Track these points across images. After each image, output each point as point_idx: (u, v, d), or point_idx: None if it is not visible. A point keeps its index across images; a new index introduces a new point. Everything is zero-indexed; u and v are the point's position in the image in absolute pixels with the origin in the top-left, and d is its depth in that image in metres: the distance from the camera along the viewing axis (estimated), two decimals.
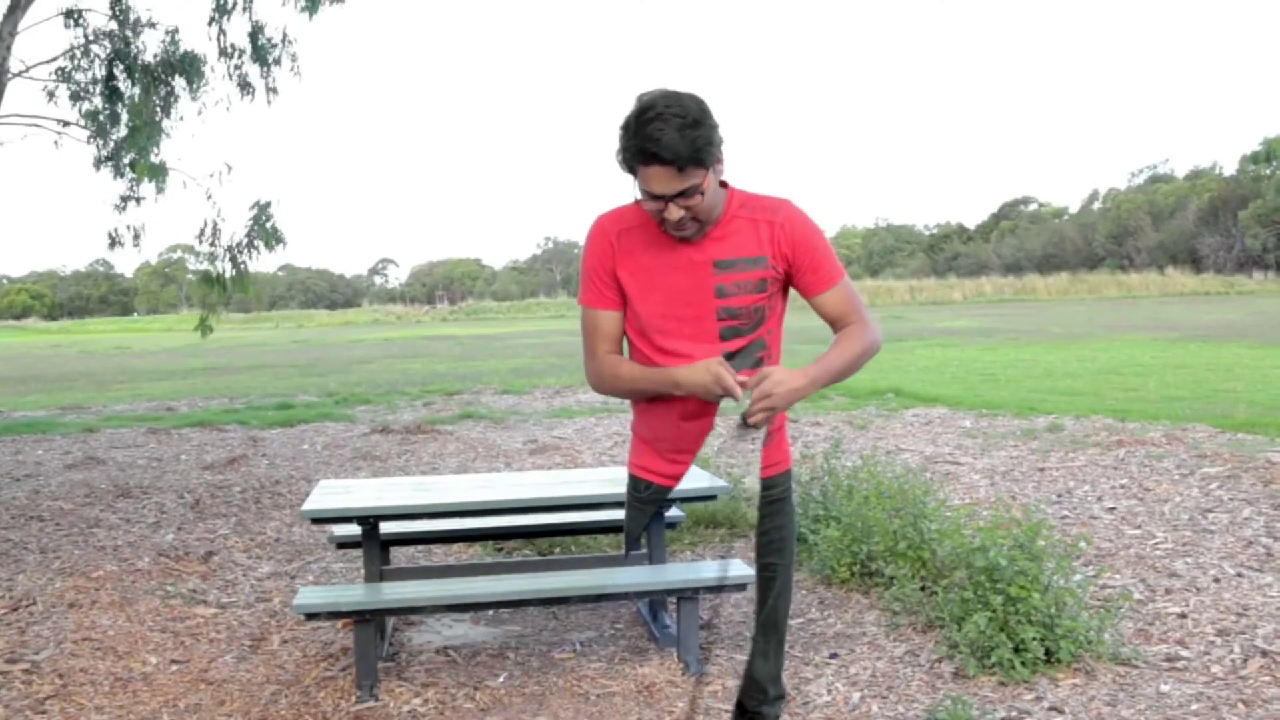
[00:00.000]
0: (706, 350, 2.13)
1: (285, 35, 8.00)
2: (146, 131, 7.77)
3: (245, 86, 8.07)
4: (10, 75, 7.30)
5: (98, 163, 8.09)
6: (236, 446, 8.51)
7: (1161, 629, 3.68)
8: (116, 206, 8.20)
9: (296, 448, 8.46)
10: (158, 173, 7.84)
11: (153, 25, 8.09)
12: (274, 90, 8.12)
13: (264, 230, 7.77)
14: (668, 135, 1.91)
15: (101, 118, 8.13)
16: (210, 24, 7.81)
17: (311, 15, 7.55)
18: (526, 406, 10.97)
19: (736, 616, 4.17)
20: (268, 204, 7.82)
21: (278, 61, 8.01)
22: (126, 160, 7.96)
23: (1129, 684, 3.22)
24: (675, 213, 2.02)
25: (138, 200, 8.16)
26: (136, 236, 8.29)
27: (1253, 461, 6.18)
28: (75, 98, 8.11)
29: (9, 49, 7.14)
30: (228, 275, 7.90)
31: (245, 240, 7.83)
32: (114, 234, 8.24)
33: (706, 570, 3.98)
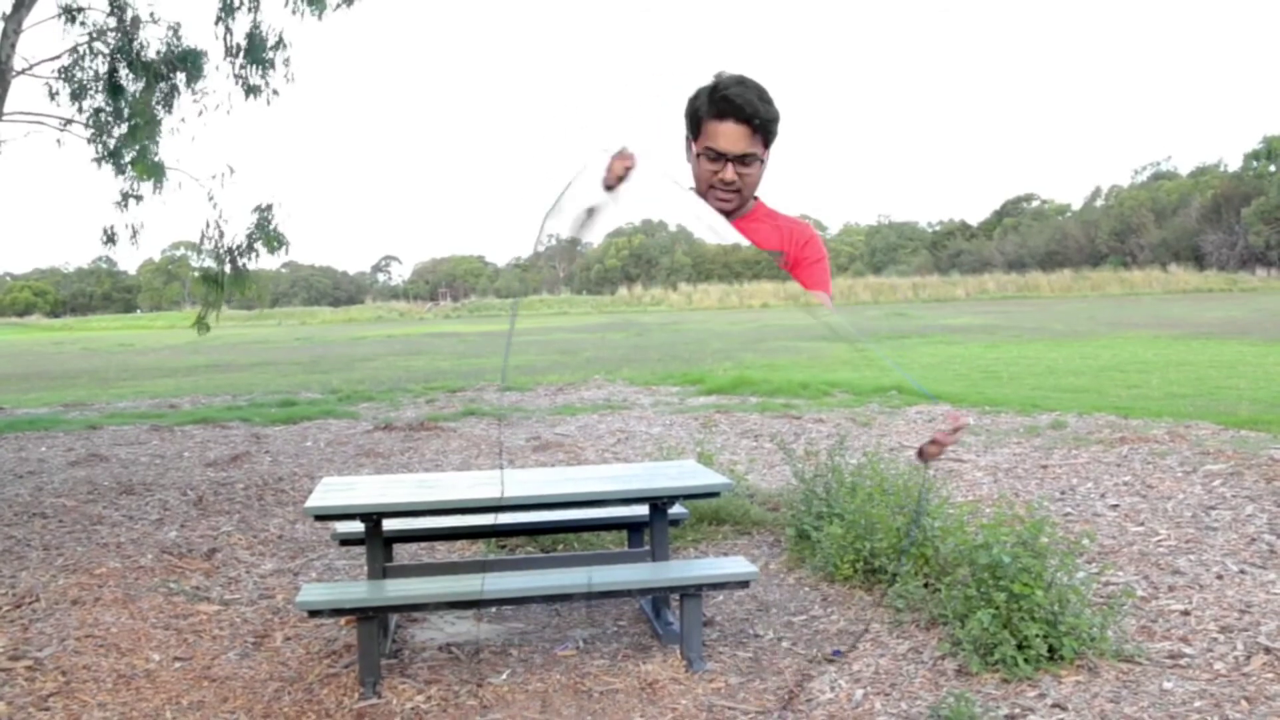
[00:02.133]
0: None
1: (281, 38, 7.99)
2: (147, 129, 7.76)
3: (251, 88, 8.07)
4: (14, 73, 7.30)
5: (98, 160, 8.09)
6: (239, 444, 8.51)
7: (1165, 626, 3.68)
8: (117, 204, 8.20)
9: (299, 445, 8.47)
10: (156, 171, 7.83)
11: (154, 21, 8.10)
12: (274, 92, 8.12)
13: (266, 233, 7.77)
14: (748, 96, 2.07)
15: (104, 116, 8.13)
16: (216, 23, 7.81)
17: (320, 14, 7.54)
18: (529, 403, 10.97)
19: (739, 614, 4.17)
20: (269, 206, 7.81)
21: (271, 64, 8.00)
22: (127, 159, 7.96)
23: (1132, 681, 3.21)
24: (730, 173, 2.12)
25: (137, 198, 8.16)
26: (134, 233, 8.28)
27: (1256, 459, 6.16)
28: (75, 96, 8.10)
29: (13, 47, 7.14)
30: (227, 275, 7.89)
31: (246, 242, 7.83)
32: (109, 230, 8.23)
33: (710, 567, 3.98)
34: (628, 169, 1.92)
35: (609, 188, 1.92)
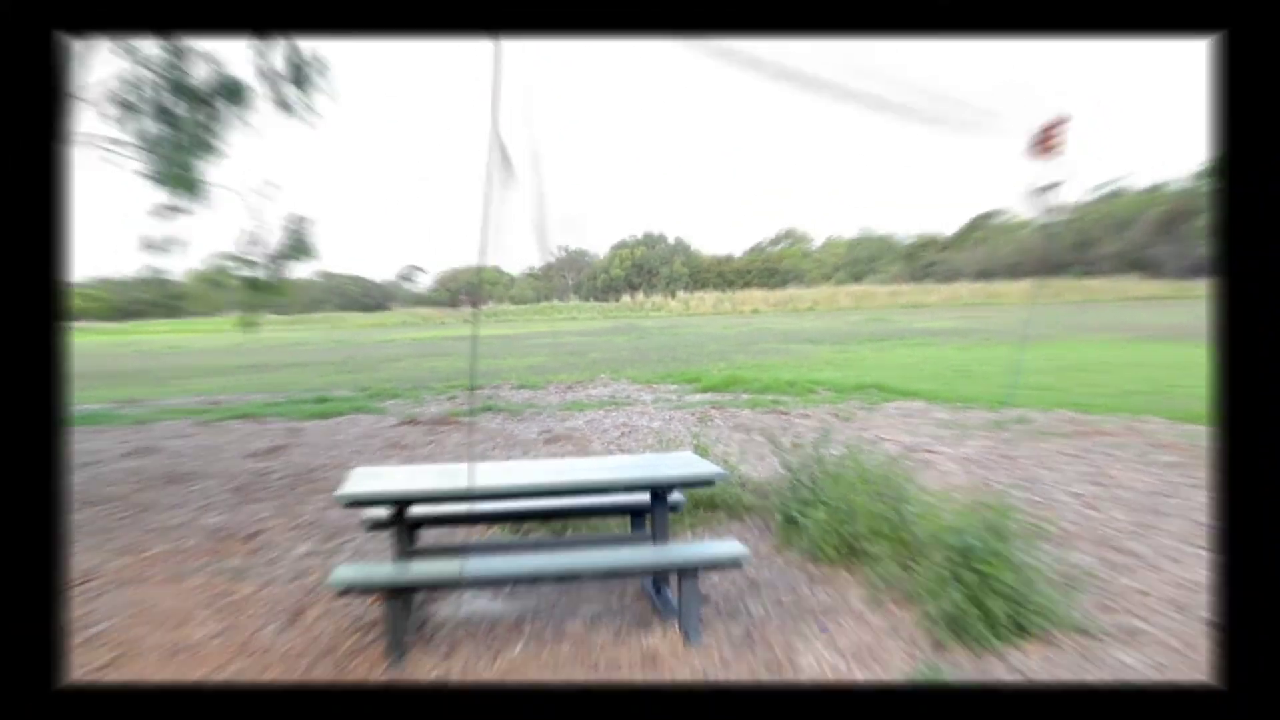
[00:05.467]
0: None
1: (317, 59, 7.97)
2: (194, 151, 7.77)
3: (284, 107, 8.05)
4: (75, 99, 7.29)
5: (147, 179, 8.07)
6: (277, 437, 8.51)
7: (1122, 604, 3.66)
8: (158, 217, 8.18)
9: (332, 438, 8.46)
10: (199, 188, 7.84)
11: (200, 53, 8.09)
12: (313, 112, 8.11)
13: (299, 244, 7.77)
14: None
15: (154, 139, 8.11)
16: (249, 48, 7.80)
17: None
18: (541, 400, 10.96)
19: (733, 591, 4.16)
20: (305, 220, 7.83)
21: (313, 84, 7.99)
22: (172, 178, 7.95)
23: (1092, 654, 3.20)
24: None
25: (180, 211, 8.13)
26: (174, 246, 8.25)
27: (1204, 450, 6.15)
28: (123, 121, 8.10)
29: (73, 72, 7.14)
30: (266, 282, 7.90)
31: (284, 250, 7.84)
32: (150, 242, 8.22)
33: (706, 549, 3.96)
34: None
35: None
